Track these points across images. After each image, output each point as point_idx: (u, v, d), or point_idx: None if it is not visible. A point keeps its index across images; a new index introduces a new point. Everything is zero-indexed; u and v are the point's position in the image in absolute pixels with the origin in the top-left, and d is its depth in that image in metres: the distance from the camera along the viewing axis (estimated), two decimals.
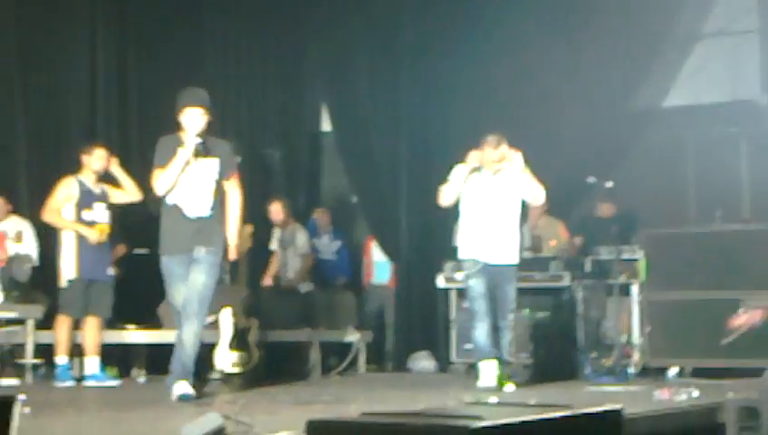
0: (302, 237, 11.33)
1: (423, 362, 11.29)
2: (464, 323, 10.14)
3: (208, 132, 7.16)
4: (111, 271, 9.04)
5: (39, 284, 9.51)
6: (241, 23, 12.34)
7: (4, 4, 10.35)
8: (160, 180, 7.07)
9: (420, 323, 11.69)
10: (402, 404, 5.87)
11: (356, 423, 3.41)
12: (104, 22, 11.11)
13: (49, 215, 8.85)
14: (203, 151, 7.06)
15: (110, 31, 11.15)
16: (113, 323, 9.40)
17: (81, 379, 8.86)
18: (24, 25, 10.44)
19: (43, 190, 9.20)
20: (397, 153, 12.23)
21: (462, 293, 10.00)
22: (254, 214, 10.34)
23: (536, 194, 8.33)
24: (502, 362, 8.21)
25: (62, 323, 8.84)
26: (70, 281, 8.76)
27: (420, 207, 11.73)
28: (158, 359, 9.42)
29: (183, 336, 7.02)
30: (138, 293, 9.97)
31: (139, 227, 10.35)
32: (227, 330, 8.99)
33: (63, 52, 10.82)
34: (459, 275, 10.40)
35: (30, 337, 8.93)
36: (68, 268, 8.76)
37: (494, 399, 6.51)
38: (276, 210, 11.18)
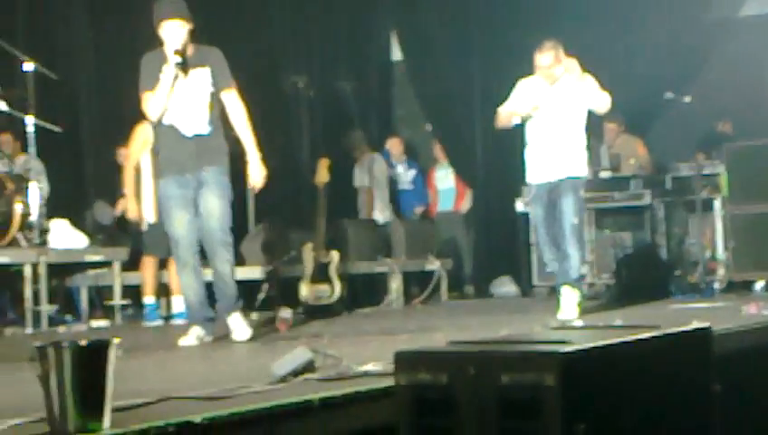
0: (380, 167, 11.35)
1: (505, 286, 11.29)
2: None
3: (194, 41, 6.52)
4: None
5: (123, 226, 9.65)
6: None
7: None
8: (150, 104, 6.44)
9: (501, 248, 11.65)
10: (487, 331, 5.86)
11: (444, 352, 3.41)
12: None
13: (127, 166, 8.96)
14: (184, 66, 6.38)
15: None
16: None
17: (168, 318, 9.01)
18: None
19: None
20: (470, 78, 12.11)
21: None
22: (331, 147, 10.36)
23: (600, 100, 7.67)
24: (574, 286, 7.61)
25: (148, 264, 8.98)
26: (151, 224, 8.88)
27: (496, 131, 11.62)
28: (241, 295, 9.53)
29: (219, 269, 6.45)
30: None
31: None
32: (309, 263, 9.05)
33: None
34: (519, 204, 10.33)
35: (117, 279, 9.10)
36: (149, 211, 8.87)
37: (579, 322, 6.48)
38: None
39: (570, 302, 7.50)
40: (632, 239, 10.29)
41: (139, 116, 8.92)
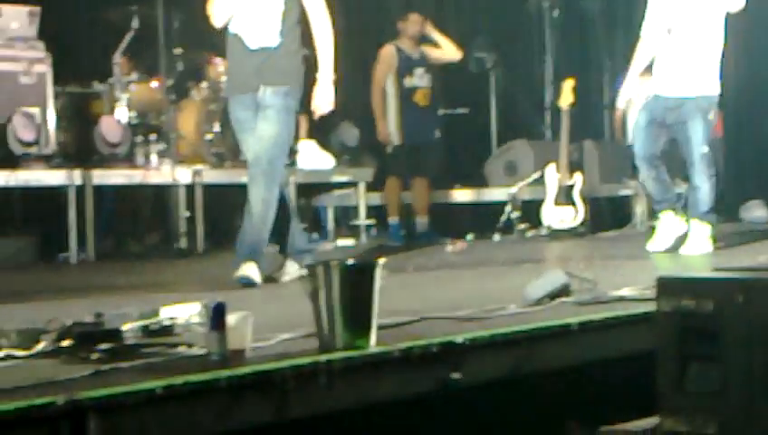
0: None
1: (756, 211, 10.85)
2: None
3: None
4: (437, 133, 9.18)
5: (367, 146, 9.80)
6: None
7: None
8: (215, 6, 5.57)
9: (753, 170, 11.20)
10: (744, 257, 5.66)
11: (710, 279, 3.30)
12: None
13: (374, 87, 9.04)
14: None
15: None
16: (440, 182, 9.59)
17: (411, 238, 9.11)
18: None
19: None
20: None
21: None
22: (575, 68, 10.16)
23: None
24: (703, 220, 6.80)
25: (392, 185, 9.10)
26: (395, 145, 8.97)
27: (747, 52, 11.14)
28: (485, 218, 9.56)
29: (250, 203, 5.51)
30: (462, 152, 10.11)
31: (459, 86, 10.44)
32: (552, 186, 8.96)
33: None
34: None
35: (362, 199, 9.26)
36: (393, 133, 8.96)
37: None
38: None
39: (700, 235, 6.78)
40: None
41: (387, 38, 9.11)
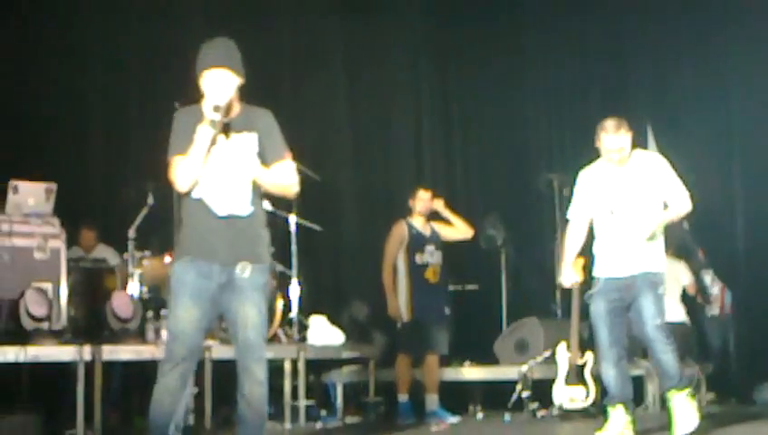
0: None
1: None
2: None
3: (243, 100, 5.27)
4: (447, 310, 9.19)
5: (377, 323, 9.80)
6: (559, 42, 12.26)
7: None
8: (180, 170, 5.11)
9: (765, 351, 11.13)
10: None
11: None
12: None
13: (385, 264, 9.09)
14: (222, 126, 5.11)
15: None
16: (450, 360, 9.55)
17: (421, 416, 9.02)
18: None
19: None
20: (729, 171, 11.75)
21: None
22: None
23: (677, 199, 6.81)
24: (681, 389, 6.80)
25: (402, 362, 9.05)
26: (406, 322, 8.97)
27: (759, 228, 11.23)
28: (495, 395, 9.49)
29: (246, 392, 5.12)
30: (473, 329, 10.10)
31: (470, 262, 10.51)
32: (564, 365, 8.91)
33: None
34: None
35: (371, 376, 9.21)
36: (404, 310, 8.96)
37: None
38: None
39: (685, 409, 6.76)
40: None
41: (398, 215, 9.22)
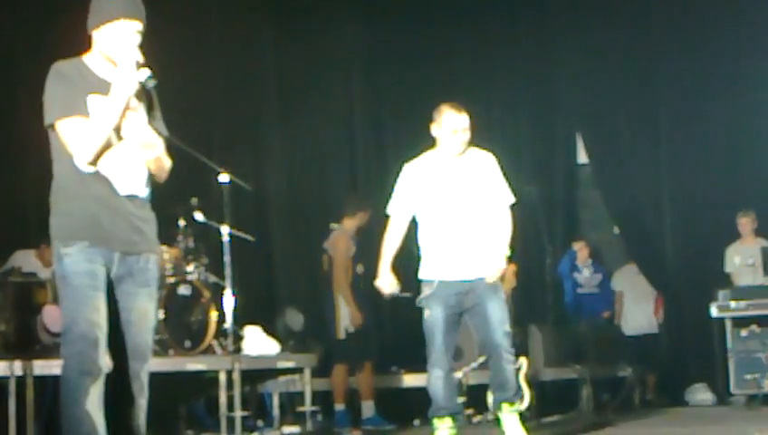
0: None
1: (700, 394, 10.91)
2: (742, 353, 9.80)
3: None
4: None
5: (312, 332, 9.78)
6: (490, 55, 12.34)
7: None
8: (83, 140, 4.27)
9: (695, 354, 11.30)
10: None
11: None
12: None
13: (337, 272, 9.07)
14: (153, 86, 4.42)
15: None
16: (384, 367, 9.56)
17: (357, 424, 9.03)
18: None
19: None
20: (659, 181, 11.90)
21: (737, 321, 9.70)
22: (520, 252, 10.30)
23: (501, 202, 6.56)
24: (513, 403, 6.60)
25: (340, 372, 9.06)
26: (349, 333, 8.98)
27: (687, 234, 11.39)
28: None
29: (139, 402, 4.58)
30: (407, 337, 10.10)
31: (404, 271, 10.52)
32: None
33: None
34: (714, 309, 9.71)
35: (307, 386, 9.19)
36: (345, 320, 8.97)
37: None
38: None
39: (515, 426, 6.56)
40: None
41: (338, 222, 9.17)
